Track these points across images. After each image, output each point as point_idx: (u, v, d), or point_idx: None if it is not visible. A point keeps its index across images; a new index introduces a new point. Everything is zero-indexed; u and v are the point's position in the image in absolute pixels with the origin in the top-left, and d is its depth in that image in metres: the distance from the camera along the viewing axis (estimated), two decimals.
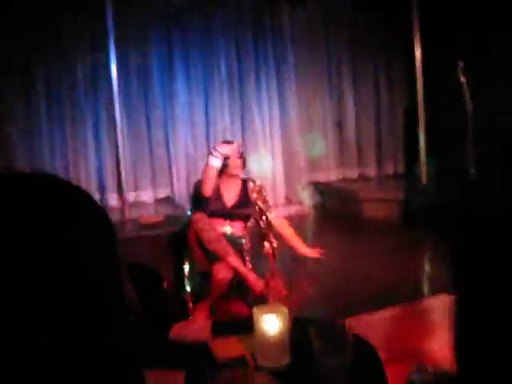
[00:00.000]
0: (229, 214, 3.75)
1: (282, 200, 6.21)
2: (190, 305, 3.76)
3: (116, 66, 5.23)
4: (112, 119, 5.58)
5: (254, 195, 3.57)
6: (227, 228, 3.76)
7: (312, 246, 3.97)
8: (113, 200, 5.70)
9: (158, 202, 5.84)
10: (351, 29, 6.53)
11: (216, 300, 3.70)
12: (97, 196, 5.64)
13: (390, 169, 6.70)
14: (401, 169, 6.74)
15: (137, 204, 5.70)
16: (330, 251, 4.79)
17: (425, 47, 5.69)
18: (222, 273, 3.45)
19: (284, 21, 6.23)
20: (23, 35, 5.24)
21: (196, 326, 3.58)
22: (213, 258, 3.50)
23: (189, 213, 3.98)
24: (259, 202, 3.54)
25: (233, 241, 3.69)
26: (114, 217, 5.41)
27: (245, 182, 3.83)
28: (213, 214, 3.70)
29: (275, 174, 6.15)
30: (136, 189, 5.79)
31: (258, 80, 6.16)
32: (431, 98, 5.79)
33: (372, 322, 3.12)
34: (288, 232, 3.83)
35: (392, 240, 4.89)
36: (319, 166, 6.46)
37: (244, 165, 3.91)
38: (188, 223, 3.65)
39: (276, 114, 6.22)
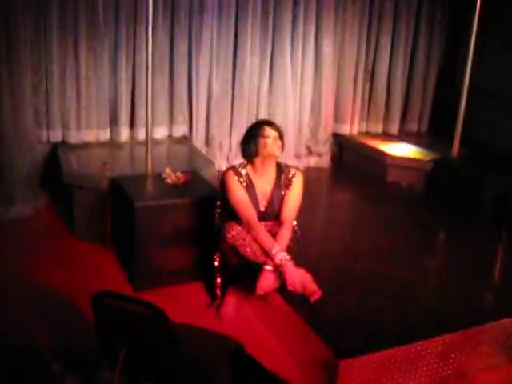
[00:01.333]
0: (262, 215, 3.34)
1: (303, 150, 5.86)
2: (218, 291, 3.57)
3: None
4: (132, 43, 5.02)
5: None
6: None
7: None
8: (124, 135, 5.21)
9: (173, 140, 5.39)
10: None
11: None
12: (107, 130, 5.16)
13: (413, 126, 6.37)
14: (424, 128, 6.42)
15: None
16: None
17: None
18: (270, 281, 3.13)
19: None
20: None
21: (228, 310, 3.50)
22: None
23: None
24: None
25: None
26: (124, 155, 5.01)
27: (279, 169, 3.37)
28: None
29: (301, 120, 5.71)
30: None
31: (294, 16, 5.52)
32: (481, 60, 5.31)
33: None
34: (283, 237, 3.24)
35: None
36: (343, 118, 6.05)
37: (283, 147, 3.33)
38: (220, 231, 3.29)
39: (310, 55, 5.67)
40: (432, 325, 3.11)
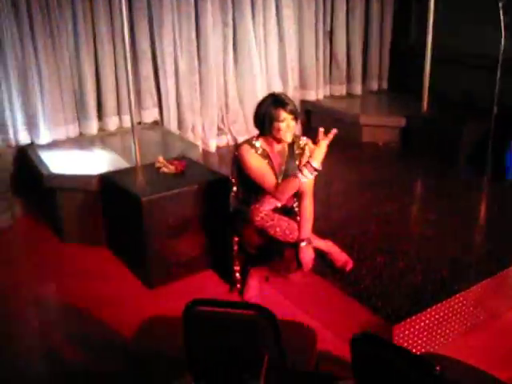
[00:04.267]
0: None
1: None
2: (238, 276, 3.50)
3: None
4: (91, 29, 4.73)
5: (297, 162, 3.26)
6: (278, 203, 3.32)
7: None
8: (94, 127, 4.94)
9: (144, 126, 5.15)
10: None
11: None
12: (76, 124, 4.87)
13: (374, 85, 6.42)
14: (384, 85, 6.49)
15: (121, 131, 5.00)
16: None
17: None
18: (311, 254, 3.10)
19: None
20: None
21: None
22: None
23: (234, 189, 3.38)
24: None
25: (285, 210, 3.31)
26: (101, 148, 4.75)
27: (290, 143, 3.29)
28: (263, 191, 3.22)
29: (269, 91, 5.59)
30: (118, 113, 5.04)
31: None
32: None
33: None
34: (308, 208, 3.25)
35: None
36: (309, 84, 6.01)
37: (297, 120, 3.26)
38: (244, 216, 3.18)
39: (271, 25, 5.54)
40: (462, 276, 3.19)
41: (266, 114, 3.15)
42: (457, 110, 5.33)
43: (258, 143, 3.25)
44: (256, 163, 3.19)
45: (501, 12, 4.35)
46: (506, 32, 4.40)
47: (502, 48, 4.43)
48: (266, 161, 3.23)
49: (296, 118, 3.20)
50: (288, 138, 3.20)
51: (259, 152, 3.22)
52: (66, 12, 4.56)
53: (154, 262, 3.60)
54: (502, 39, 4.41)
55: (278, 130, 3.15)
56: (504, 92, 4.56)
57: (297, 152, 3.32)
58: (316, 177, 3.36)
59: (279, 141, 3.23)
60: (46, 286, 3.74)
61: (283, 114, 3.12)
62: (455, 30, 5.52)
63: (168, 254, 3.63)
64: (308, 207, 3.24)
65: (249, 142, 3.27)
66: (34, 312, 3.49)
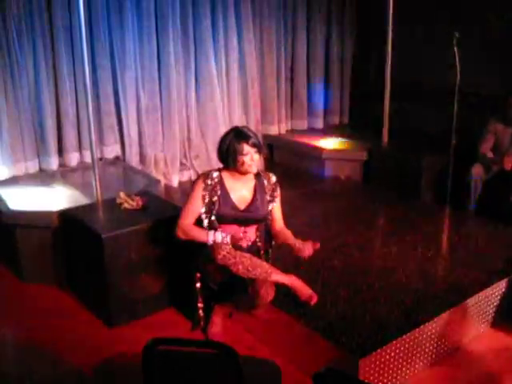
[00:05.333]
0: (242, 219, 3.24)
1: None
2: (201, 313, 3.41)
3: None
4: (51, 63, 4.71)
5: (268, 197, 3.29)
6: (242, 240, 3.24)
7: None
8: (54, 163, 4.86)
9: (105, 163, 5.09)
10: None
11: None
12: (34, 159, 4.80)
13: (336, 120, 6.54)
14: (345, 120, 6.62)
15: (82, 167, 4.94)
16: None
17: None
18: (270, 293, 3.06)
19: None
20: None
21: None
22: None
23: None
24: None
25: (249, 248, 3.26)
26: (61, 184, 4.67)
27: (258, 176, 3.31)
28: (222, 221, 3.20)
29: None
30: (79, 149, 4.98)
31: (213, 26, 5.43)
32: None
33: None
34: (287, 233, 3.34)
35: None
36: (271, 119, 6.10)
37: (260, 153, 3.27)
38: (203, 253, 3.16)
39: (233, 63, 5.61)
40: (426, 307, 3.21)
41: (229, 148, 3.15)
42: (416, 142, 5.46)
43: (216, 173, 3.23)
44: (195, 194, 3.19)
45: (455, 47, 4.52)
46: (461, 66, 4.56)
47: (458, 81, 4.58)
48: (217, 193, 3.18)
49: (259, 151, 3.21)
50: (253, 169, 3.22)
51: (211, 182, 3.19)
52: (27, 47, 4.52)
53: (115, 300, 3.51)
54: (458, 73, 4.56)
55: (242, 163, 3.15)
56: (462, 123, 4.69)
57: (268, 187, 3.33)
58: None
59: (244, 173, 3.23)
60: (3, 326, 3.60)
61: (246, 148, 3.13)
62: (414, 64, 5.71)
63: (129, 291, 3.54)
64: (286, 230, 3.33)
65: (207, 172, 3.29)
66: None
